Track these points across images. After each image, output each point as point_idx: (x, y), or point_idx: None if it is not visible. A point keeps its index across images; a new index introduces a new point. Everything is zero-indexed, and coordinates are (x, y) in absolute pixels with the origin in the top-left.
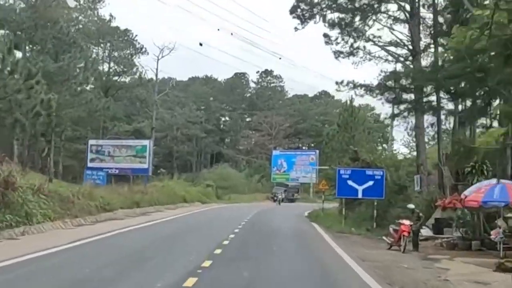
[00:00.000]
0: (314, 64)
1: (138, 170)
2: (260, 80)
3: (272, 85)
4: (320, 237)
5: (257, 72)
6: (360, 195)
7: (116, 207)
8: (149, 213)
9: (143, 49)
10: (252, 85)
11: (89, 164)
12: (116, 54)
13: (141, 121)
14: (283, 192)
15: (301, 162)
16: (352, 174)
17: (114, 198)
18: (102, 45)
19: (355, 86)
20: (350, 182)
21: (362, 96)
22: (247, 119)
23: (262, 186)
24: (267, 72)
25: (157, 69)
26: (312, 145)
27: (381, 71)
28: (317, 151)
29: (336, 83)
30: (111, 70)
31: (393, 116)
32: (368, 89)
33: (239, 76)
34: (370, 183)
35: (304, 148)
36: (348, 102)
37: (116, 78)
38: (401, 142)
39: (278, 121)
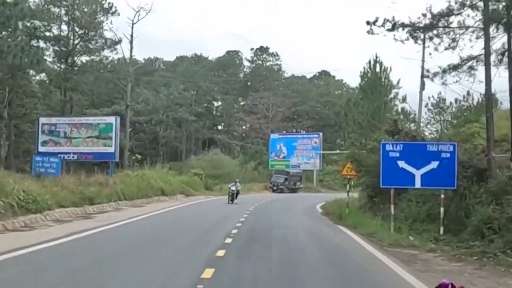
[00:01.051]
0: (313, 41)
1: (101, 155)
2: (254, 58)
3: (268, 63)
4: (377, 264)
5: (252, 49)
6: (418, 184)
7: (50, 205)
8: (94, 215)
9: (114, 10)
10: (246, 63)
11: (40, 149)
12: (78, 13)
13: (123, 105)
14: (284, 180)
15: (302, 147)
16: (405, 151)
17: (52, 193)
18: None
19: (395, 26)
20: (401, 164)
21: (404, 41)
22: (241, 103)
23: (259, 174)
24: (263, 50)
25: (132, 36)
26: (311, 130)
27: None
28: (321, 133)
29: (368, 23)
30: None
31: (422, 85)
32: (416, 29)
33: (231, 54)
34: (434, 164)
35: (303, 132)
36: (373, 60)
37: (78, 42)
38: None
39: (276, 102)
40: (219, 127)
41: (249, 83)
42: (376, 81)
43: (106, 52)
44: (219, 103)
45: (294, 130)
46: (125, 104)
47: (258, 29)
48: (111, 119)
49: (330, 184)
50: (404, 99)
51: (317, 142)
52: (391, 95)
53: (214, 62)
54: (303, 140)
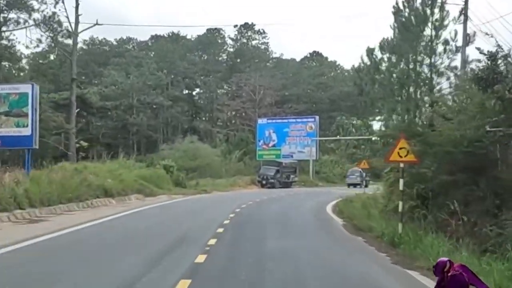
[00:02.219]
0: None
1: (12, 140)
2: (239, 36)
3: (254, 42)
4: None
5: (235, 26)
6: None
7: None
8: None
9: None
10: (230, 42)
11: None
12: None
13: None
14: (275, 173)
15: (296, 133)
16: None
17: None
18: None
19: None
20: None
21: None
22: (225, 86)
23: (245, 166)
24: (247, 26)
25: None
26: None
27: None
28: (317, 117)
29: None
30: None
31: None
32: None
33: (212, 32)
34: None
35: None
36: None
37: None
38: None
39: (263, 84)
40: (200, 114)
41: (233, 64)
42: (416, 17)
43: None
44: (200, 86)
45: (285, 115)
46: (71, 78)
47: (243, 5)
48: (26, 88)
49: (329, 177)
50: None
51: (312, 127)
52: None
53: (193, 41)
54: (296, 125)
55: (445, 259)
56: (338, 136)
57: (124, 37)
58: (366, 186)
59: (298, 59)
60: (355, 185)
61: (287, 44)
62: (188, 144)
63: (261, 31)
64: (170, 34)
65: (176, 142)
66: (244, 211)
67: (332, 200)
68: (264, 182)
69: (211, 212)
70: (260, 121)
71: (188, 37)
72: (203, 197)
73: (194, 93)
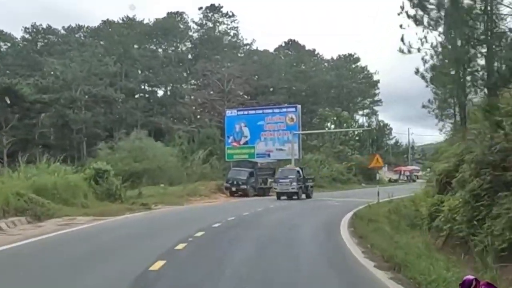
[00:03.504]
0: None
1: None
2: (204, 21)
3: (221, 27)
4: None
5: (200, 8)
6: None
7: None
8: None
9: None
10: (194, 27)
11: None
12: None
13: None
14: (248, 177)
15: (273, 126)
16: None
17: None
18: None
19: None
20: None
21: None
22: (188, 76)
23: (212, 168)
24: (214, 8)
25: None
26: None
27: None
28: (299, 106)
29: None
30: None
31: None
32: None
33: (173, 16)
34: None
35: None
36: None
37: None
38: None
39: (233, 73)
40: (161, 109)
41: (198, 53)
42: None
43: None
44: (159, 78)
45: None
46: None
47: None
48: None
49: (318, 181)
50: None
51: (293, 119)
52: None
53: (151, 26)
54: (274, 117)
55: (471, 277)
56: (327, 128)
57: (74, 25)
58: (308, 196)
59: (272, 50)
60: (289, 195)
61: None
62: (133, 142)
63: (230, 13)
64: (124, 19)
65: (118, 139)
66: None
67: (339, 215)
68: (233, 189)
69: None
70: (228, 113)
71: (146, 21)
72: (128, 221)
73: (152, 85)
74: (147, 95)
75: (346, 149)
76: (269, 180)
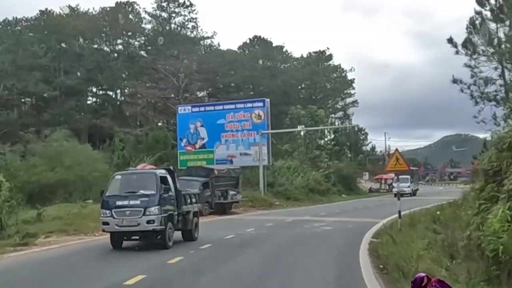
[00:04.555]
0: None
1: None
2: (158, 11)
3: (178, 19)
4: None
5: None
6: None
7: None
8: None
9: None
10: (147, 18)
11: None
12: None
13: None
14: (201, 187)
15: (236, 126)
16: None
17: None
18: None
19: None
20: None
21: None
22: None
23: None
24: None
25: None
26: None
27: None
28: (267, 100)
29: None
30: None
31: None
32: None
33: (123, 5)
34: None
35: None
36: None
37: None
38: None
39: (190, 68)
40: (105, 109)
41: (150, 46)
42: None
43: None
44: (104, 73)
45: None
46: None
47: None
48: None
49: (288, 191)
50: None
51: (261, 116)
52: None
53: (96, 17)
54: (237, 114)
55: (423, 274)
56: (302, 126)
57: (10, 18)
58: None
59: (235, 47)
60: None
61: (222, 29)
62: (49, 144)
63: (188, 3)
64: (67, 7)
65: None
66: None
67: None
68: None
69: None
70: (181, 110)
71: (90, 11)
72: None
73: (97, 83)
74: (89, 93)
75: (323, 154)
76: (231, 192)
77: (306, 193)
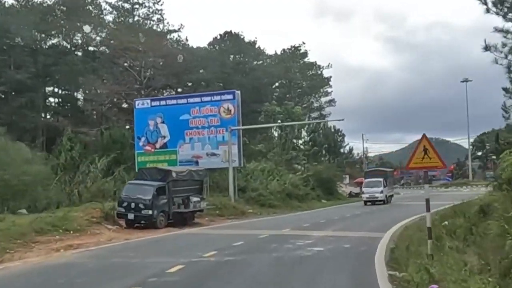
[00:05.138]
0: None
1: None
2: (120, 2)
3: (141, 10)
4: None
5: None
6: None
7: None
8: None
9: None
10: (108, 9)
11: None
12: None
13: None
14: (154, 195)
15: (202, 121)
16: None
17: None
18: None
19: None
20: None
21: None
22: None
23: (117, 183)
24: None
25: None
26: None
27: None
28: (237, 92)
29: None
30: None
31: None
32: None
33: None
34: None
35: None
36: None
37: None
38: None
39: (155, 61)
40: (59, 106)
41: (110, 39)
42: None
43: None
44: (59, 67)
45: None
46: None
47: None
48: None
49: (262, 197)
50: None
51: (231, 110)
52: None
53: (51, 7)
54: (203, 108)
55: (435, 286)
56: (279, 122)
57: None
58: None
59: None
60: None
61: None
62: None
63: None
64: None
65: None
66: None
67: None
68: (130, 216)
69: None
70: (138, 104)
71: (45, 2)
72: None
73: (51, 80)
74: (48, 93)
75: (300, 155)
76: (194, 199)
77: (282, 198)
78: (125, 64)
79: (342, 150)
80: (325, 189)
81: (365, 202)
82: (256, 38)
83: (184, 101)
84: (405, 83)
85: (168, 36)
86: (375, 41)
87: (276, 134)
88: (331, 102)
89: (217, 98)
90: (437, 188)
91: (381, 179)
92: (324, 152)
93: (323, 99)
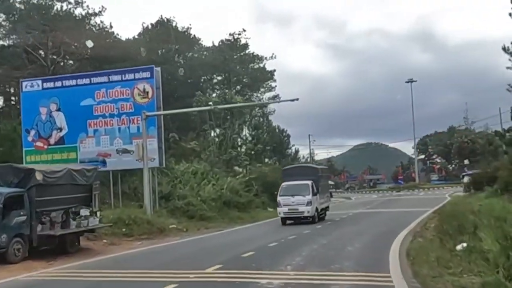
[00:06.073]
0: None
1: None
2: None
3: None
4: None
5: None
6: None
7: None
8: None
9: None
10: None
11: None
12: None
13: None
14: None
15: (110, 108)
16: None
17: None
18: None
19: None
20: None
21: None
22: None
23: None
24: None
25: None
26: None
27: None
28: (157, 69)
29: None
30: None
31: None
32: None
33: None
34: None
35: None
36: None
37: None
38: None
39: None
40: None
41: (17, 22)
42: None
43: None
44: None
45: None
46: None
47: None
48: None
49: (192, 207)
50: None
51: (149, 93)
52: None
53: None
54: (112, 91)
55: None
56: (210, 104)
57: None
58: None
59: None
60: None
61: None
62: None
63: None
64: None
65: None
66: None
67: None
68: None
69: None
70: (26, 86)
71: None
72: None
73: None
74: None
75: (242, 155)
76: (83, 213)
77: (218, 208)
78: (33, 52)
79: (288, 152)
80: (272, 194)
81: (283, 220)
82: (190, 25)
83: (86, 81)
84: (346, 89)
85: (88, 21)
86: (316, 47)
87: (213, 133)
88: (276, 97)
89: (129, 76)
90: (390, 192)
91: (309, 182)
92: (268, 152)
93: (267, 95)
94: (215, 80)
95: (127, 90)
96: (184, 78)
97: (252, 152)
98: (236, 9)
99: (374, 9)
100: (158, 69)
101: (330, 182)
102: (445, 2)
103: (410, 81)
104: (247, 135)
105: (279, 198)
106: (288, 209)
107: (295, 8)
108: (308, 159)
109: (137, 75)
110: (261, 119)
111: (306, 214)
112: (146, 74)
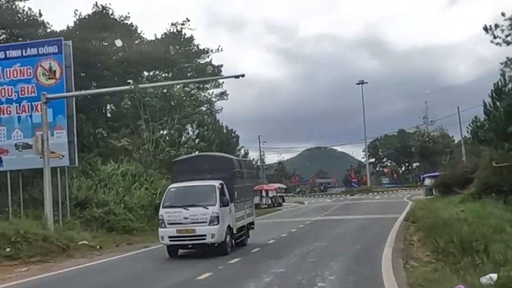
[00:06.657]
0: None
1: None
2: None
3: None
4: None
5: None
6: None
7: None
8: None
9: None
10: None
11: None
12: None
13: None
14: None
15: (8, 91)
16: None
17: None
18: None
19: None
20: None
21: None
22: None
23: None
24: None
25: None
26: None
27: None
28: (67, 43)
29: None
30: None
31: None
32: None
33: None
34: None
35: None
36: None
37: None
38: None
39: None
40: None
41: None
42: None
43: None
44: None
45: None
46: None
47: None
48: None
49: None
50: None
51: (56, 72)
52: None
53: None
54: (10, 69)
55: (463, 286)
56: (130, 82)
57: None
58: None
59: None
60: None
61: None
62: None
63: None
64: None
65: None
66: None
67: None
68: None
69: None
70: None
71: None
72: None
73: None
74: None
75: (182, 154)
76: None
77: (149, 217)
78: None
79: (237, 153)
80: None
81: (170, 250)
82: (128, 13)
83: None
84: (296, 94)
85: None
86: (267, 52)
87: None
88: (223, 95)
89: (32, 51)
90: (344, 196)
91: (215, 183)
92: (215, 149)
93: (215, 90)
94: (159, 77)
95: (29, 68)
96: (121, 70)
97: (195, 151)
98: (187, 14)
99: (324, 15)
100: (69, 42)
101: (282, 186)
102: (392, 10)
103: (361, 82)
104: (190, 133)
105: (161, 212)
106: (178, 231)
107: (246, 13)
108: (259, 162)
109: (41, 50)
110: (207, 118)
111: (209, 240)
112: (53, 49)
